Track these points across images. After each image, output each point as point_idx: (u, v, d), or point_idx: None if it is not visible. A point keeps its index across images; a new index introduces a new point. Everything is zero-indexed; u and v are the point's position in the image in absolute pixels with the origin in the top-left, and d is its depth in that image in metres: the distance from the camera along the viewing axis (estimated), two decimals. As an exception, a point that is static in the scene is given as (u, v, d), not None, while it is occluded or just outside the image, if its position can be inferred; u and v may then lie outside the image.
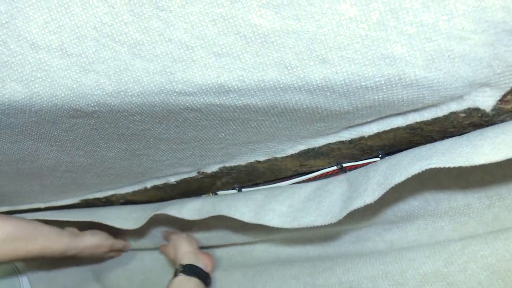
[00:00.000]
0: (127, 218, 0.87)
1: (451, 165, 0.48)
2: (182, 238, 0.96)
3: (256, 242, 0.91)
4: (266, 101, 0.49)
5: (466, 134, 0.52)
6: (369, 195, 0.56)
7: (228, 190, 0.82)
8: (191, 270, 0.92)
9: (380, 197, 0.57)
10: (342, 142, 0.59)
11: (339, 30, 0.42)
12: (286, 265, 0.83)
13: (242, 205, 0.70)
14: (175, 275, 0.91)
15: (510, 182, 0.59)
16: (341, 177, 0.66)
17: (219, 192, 0.83)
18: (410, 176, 0.52)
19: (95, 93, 0.50)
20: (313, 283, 0.76)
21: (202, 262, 0.95)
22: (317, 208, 0.61)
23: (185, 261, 0.92)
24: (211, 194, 0.85)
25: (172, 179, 0.78)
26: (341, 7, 0.41)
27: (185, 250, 0.95)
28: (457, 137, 0.52)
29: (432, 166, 0.50)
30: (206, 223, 0.91)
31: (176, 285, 0.90)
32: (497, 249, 0.58)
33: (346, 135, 0.57)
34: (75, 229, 0.96)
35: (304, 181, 0.72)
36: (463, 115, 0.49)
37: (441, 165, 0.49)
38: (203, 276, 0.93)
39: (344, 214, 0.57)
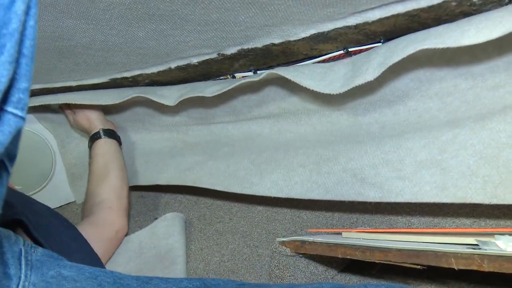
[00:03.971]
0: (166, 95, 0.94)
1: (441, 46, 0.56)
2: (89, 108, 1.09)
3: (263, 129, 0.98)
4: (283, -15, 0.55)
5: (456, 21, 0.58)
6: (370, 74, 0.64)
7: (245, 72, 0.89)
8: (111, 134, 1.09)
9: (381, 77, 0.65)
10: (348, 27, 0.65)
11: None
12: (292, 153, 0.88)
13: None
14: (96, 138, 1.07)
15: (493, 65, 0.64)
16: (347, 60, 0.73)
17: (236, 75, 0.91)
18: (405, 56, 0.59)
19: (133, -26, 0.56)
20: (319, 170, 0.81)
21: (113, 127, 1.12)
22: (321, 79, 0.70)
23: (101, 126, 1.09)
24: (229, 76, 0.93)
25: (195, 60, 0.86)
26: None
27: (98, 116, 1.10)
28: (449, 23, 0.59)
29: (425, 47, 0.57)
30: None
31: (100, 147, 1.07)
32: (484, 138, 0.63)
33: (352, 20, 0.64)
34: None
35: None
36: (454, 3, 0.55)
37: (433, 46, 0.56)
38: (119, 138, 1.11)
39: (346, 89, 0.66)
